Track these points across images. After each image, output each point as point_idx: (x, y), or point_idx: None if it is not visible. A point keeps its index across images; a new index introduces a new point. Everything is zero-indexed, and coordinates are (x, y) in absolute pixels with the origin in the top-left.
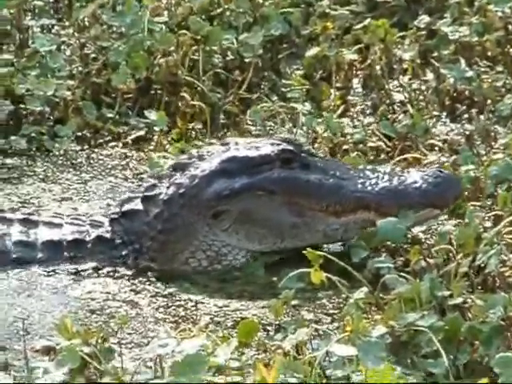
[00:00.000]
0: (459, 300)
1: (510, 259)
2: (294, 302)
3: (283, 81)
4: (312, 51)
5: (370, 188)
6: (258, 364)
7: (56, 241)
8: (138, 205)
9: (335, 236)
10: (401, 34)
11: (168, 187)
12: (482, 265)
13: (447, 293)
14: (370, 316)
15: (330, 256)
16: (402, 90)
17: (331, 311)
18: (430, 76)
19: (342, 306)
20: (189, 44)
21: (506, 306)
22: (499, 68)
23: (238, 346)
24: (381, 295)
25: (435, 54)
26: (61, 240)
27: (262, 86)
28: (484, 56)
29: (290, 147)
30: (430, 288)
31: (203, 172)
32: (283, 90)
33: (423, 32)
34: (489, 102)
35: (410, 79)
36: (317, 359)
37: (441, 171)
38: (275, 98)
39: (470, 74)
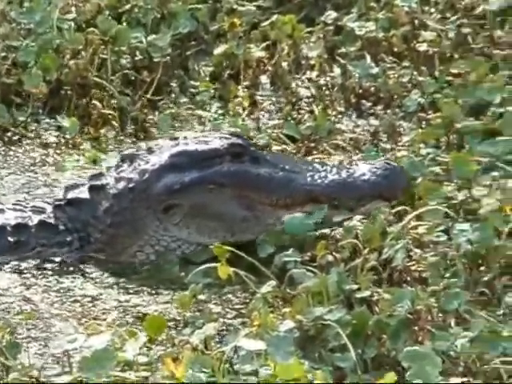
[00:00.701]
0: (366, 293)
1: (415, 253)
2: (201, 297)
3: (192, 80)
4: (220, 49)
5: (319, 181)
6: (166, 359)
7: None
8: (83, 193)
9: None
10: (308, 29)
11: (117, 181)
12: (389, 259)
13: (355, 286)
14: (277, 310)
15: (237, 251)
16: (308, 87)
17: (238, 306)
18: (337, 71)
19: (249, 300)
20: (97, 43)
21: (413, 300)
22: (406, 63)
23: (146, 341)
24: (289, 290)
25: (342, 50)
26: (4, 225)
27: (172, 85)
28: (390, 52)
29: (240, 141)
30: (337, 282)
31: (153, 166)
32: (192, 90)
33: (331, 27)
34: (395, 97)
35: (317, 76)
36: (225, 354)
37: (388, 163)
38: (184, 99)
39: (375, 70)
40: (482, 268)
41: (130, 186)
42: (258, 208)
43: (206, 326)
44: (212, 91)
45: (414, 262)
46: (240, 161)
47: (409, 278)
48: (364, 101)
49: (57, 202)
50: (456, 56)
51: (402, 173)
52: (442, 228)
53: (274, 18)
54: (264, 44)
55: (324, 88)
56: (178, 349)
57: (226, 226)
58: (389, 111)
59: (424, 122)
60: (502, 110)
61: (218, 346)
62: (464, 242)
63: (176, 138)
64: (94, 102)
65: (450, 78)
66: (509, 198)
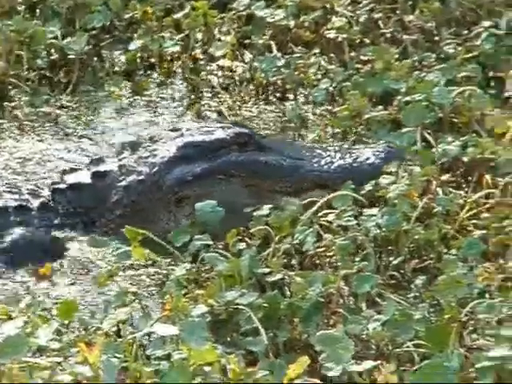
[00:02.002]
0: (278, 277)
1: (325, 239)
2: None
3: (108, 74)
4: (134, 45)
5: (326, 167)
6: (80, 344)
7: (2, 207)
8: (84, 178)
9: None
10: (222, 15)
11: (123, 170)
12: (300, 244)
13: (266, 270)
14: (191, 293)
15: (151, 235)
16: (220, 76)
17: (152, 288)
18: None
19: (162, 283)
20: (14, 40)
21: (325, 284)
22: (316, 50)
23: (58, 326)
24: (202, 274)
25: (251, 40)
26: (6, 206)
27: (87, 81)
28: (300, 40)
29: (245, 130)
30: (249, 265)
31: (162, 158)
32: (107, 89)
33: (243, 13)
34: (305, 87)
35: (229, 68)
36: (136, 339)
37: (390, 146)
38: (98, 97)
39: (281, 62)
40: (391, 252)
41: (140, 178)
42: (267, 195)
43: (119, 311)
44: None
45: (324, 248)
46: (246, 150)
47: (320, 263)
48: (272, 93)
49: (55, 186)
50: (367, 41)
51: (404, 154)
52: (351, 213)
53: (188, 9)
54: (179, 36)
55: (233, 80)
56: (91, 334)
57: (236, 214)
58: (294, 103)
59: (332, 114)
60: (408, 98)
61: (132, 330)
62: (373, 226)
63: (178, 129)
64: (16, 113)
65: (359, 66)
66: (416, 183)
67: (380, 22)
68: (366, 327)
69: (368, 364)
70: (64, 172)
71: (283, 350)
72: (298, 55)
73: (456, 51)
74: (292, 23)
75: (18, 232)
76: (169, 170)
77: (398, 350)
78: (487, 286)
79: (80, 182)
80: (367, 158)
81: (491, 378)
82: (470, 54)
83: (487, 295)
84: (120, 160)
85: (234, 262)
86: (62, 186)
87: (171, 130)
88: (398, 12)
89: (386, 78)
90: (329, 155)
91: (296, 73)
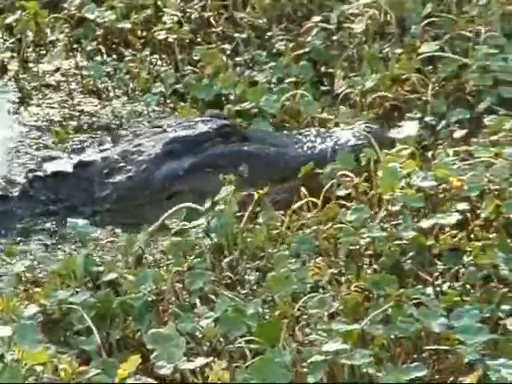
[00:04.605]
0: (113, 276)
1: (162, 240)
2: None
3: None
4: None
5: (309, 152)
6: None
7: None
8: (65, 166)
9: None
10: (53, 15)
11: (108, 165)
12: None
13: (101, 269)
14: (29, 290)
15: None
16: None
17: None
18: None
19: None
20: None
21: (157, 281)
22: (147, 52)
23: None
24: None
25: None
26: None
27: None
28: (131, 42)
29: (227, 122)
30: (84, 264)
31: (150, 156)
32: None
33: (75, 12)
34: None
35: (61, 70)
36: None
37: (369, 126)
38: None
39: (110, 67)
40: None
41: (129, 175)
42: (256, 184)
43: None
44: None
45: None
46: (231, 141)
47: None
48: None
49: (33, 174)
50: (199, 39)
51: (384, 132)
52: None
53: (19, 11)
54: (10, 40)
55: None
56: None
57: None
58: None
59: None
60: (237, 107)
61: None
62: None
63: (159, 126)
64: None
65: (190, 68)
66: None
67: (212, 20)
68: (199, 324)
69: (200, 361)
70: (43, 160)
71: (116, 348)
72: (130, 58)
73: (287, 48)
74: (123, 25)
75: None
76: (157, 166)
77: (230, 346)
78: (318, 281)
79: (61, 170)
80: (348, 140)
81: (323, 372)
82: (302, 51)
83: (321, 290)
84: (102, 151)
85: (68, 260)
86: (42, 173)
87: (153, 127)
88: (229, 9)
89: (216, 84)
90: (309, 140)
91: (127, 77)
